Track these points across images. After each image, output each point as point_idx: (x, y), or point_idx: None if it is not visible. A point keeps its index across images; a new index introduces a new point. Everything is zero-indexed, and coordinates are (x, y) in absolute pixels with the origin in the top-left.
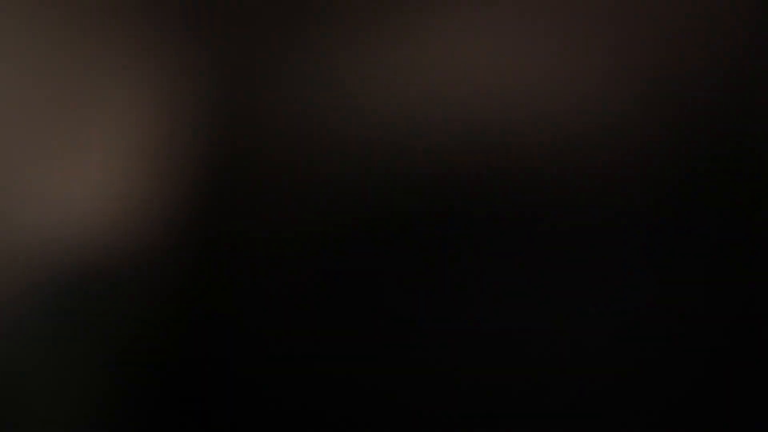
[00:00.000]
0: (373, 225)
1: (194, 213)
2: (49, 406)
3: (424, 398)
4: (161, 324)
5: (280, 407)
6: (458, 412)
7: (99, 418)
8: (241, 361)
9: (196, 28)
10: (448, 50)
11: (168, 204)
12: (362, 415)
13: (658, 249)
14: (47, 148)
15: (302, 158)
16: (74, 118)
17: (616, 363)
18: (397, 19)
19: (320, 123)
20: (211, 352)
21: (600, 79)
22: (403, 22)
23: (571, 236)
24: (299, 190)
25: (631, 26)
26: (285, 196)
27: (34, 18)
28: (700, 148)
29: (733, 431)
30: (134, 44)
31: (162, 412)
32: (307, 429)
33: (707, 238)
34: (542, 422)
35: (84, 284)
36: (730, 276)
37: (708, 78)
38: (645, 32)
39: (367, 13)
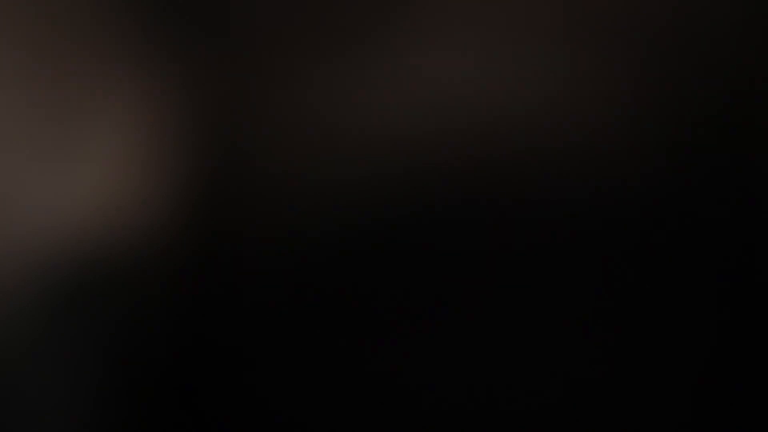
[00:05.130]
0: (369, 228)
1: (190, 214)
2: (45, 403)
3: (421, 399)
4: (157, 324)
5: (275, 407)
6: (454, 415)
7: (94, 416)
8: (238, 359)
9: (193, 32)
10: (448, 56)
11: (165, 204)
12: (361, 417)
13: (656, 251)
14: (43, 150)
15: (299, 160)
16: (71, 119)
17: (613, 364)
18: (390, 27)
19: (317, 126)
20: (208, 351)
21: (596, 82)
22: (396, 30)
23: (571, 239)
24: (296, 192)
25: (629, 29)
26: (281, 197)
27: (31, 24)
28: (699, 149)
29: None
30: (131, 46)
31: (158, 410)
32: (304, 430)
33: (707, 241)
34: (539, 423)
35: (80, 284)
36: (730, 277)
37: (707, 79)
38: (642, 35)
39: (365, 20)
